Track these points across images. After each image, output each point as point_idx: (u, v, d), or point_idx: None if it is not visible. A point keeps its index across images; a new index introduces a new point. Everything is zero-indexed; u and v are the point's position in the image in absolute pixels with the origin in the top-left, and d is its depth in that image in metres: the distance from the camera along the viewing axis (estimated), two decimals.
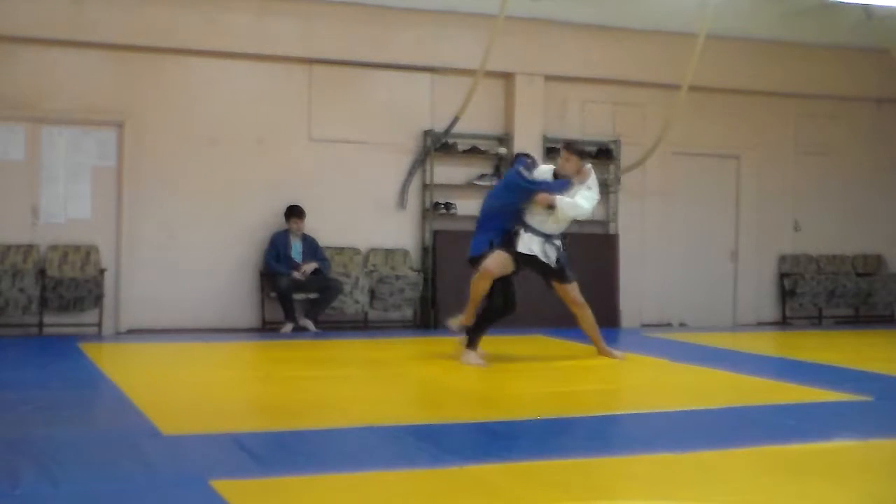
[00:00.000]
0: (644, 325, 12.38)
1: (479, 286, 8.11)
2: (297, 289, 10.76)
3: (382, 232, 11.54)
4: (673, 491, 4.31)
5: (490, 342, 8.50)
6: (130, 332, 10.58)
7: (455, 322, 8.34)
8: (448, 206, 11.56)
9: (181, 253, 10.77)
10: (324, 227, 11.16)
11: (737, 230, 13.06)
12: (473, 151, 11.68)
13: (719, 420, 6.04)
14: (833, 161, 13.40)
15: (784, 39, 12.49)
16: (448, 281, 11.07)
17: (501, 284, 8.16)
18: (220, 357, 9.09)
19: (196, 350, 9.38)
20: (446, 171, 11.60)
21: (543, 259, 8.11)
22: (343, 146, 11.36)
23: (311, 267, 10.81)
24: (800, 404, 6.54)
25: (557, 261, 8.19)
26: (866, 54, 12.81)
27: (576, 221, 11.90)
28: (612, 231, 12.29)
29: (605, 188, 12.26)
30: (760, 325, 13.00)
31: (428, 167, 11.59)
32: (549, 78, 11.98)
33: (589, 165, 8.40)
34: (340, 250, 11.36)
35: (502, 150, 11.77)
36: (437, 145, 11.55)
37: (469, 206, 11.15)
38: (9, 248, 10.24)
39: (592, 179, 8.27)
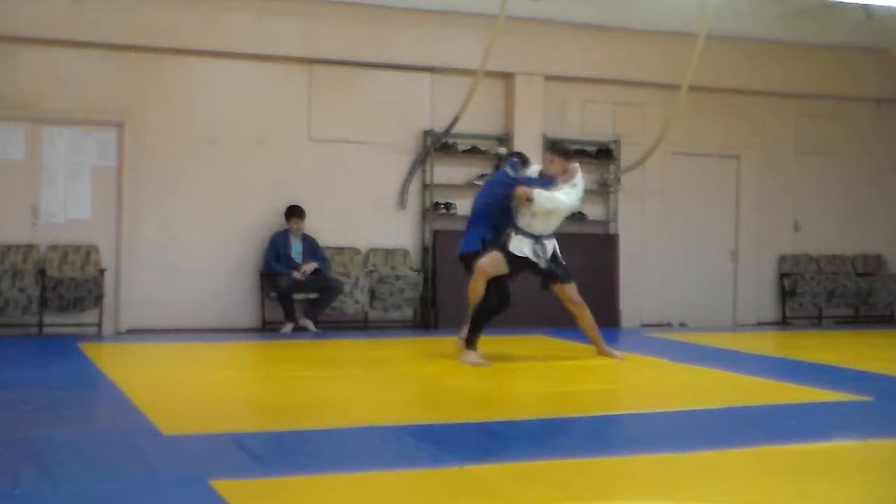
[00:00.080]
0: (644, 325, 12.38)
1: (476, 287, 8.14)
2: (297, 289, 10.76)
3: (382, 232, 11.54)
4: (673, 491, 4.31)
5: (490, 342, 8.50)
6: (130, 332, 10.58)
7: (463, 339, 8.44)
8: (448, 206, 11.56)
9: (181, 253, 10.77)
10: (324, 227, 11.16)
11: (737, 230, 13.06)
12: (473, 151, 11.69)
13: (719, 420, 6.04)
14: (833, 161, 13.40)
15: (784, 39, 12.49)
16: (448, 281, 11.07)
17: (496, 284, 8.18)
18: (220, 357, 9.09)
19: (196, 350, 9.38)
20: (446, 171, 11.60)
21: (535, 260, 8.13)
22: (343, 146, 11.36)
23: (311, 267, 10.81)
24: (800, 404, 6.54)
25: (552, 261, 8.20)
26: (866, 54, 12.81)
27: (576, 222, 12.07)
28: (612, 231, 12.29)
29: (606, 188, 12.29)
30: (760, 325, 13.00)
31: (428, 167, 11.59)
32: (549, 78, 11.98)
33: (575, 164, 8.42)
34: (340, 250, 11.36)
35: (502, 150, 11.76)
36: (437, 145, 11.55)
37: (469, 206, 11.09)
38: (9, 248, 10.24)
39: (578, 178, 8.32)
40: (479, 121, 11.67)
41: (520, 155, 8.75)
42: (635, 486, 4.53)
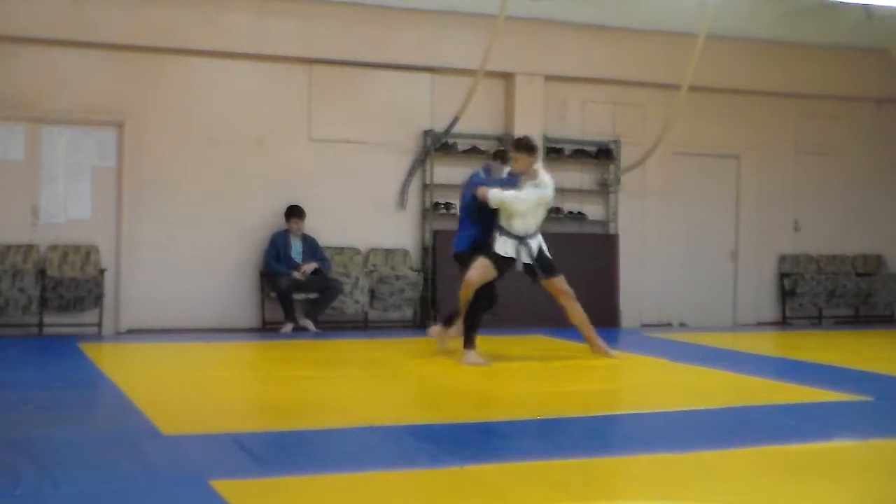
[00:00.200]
0: (644, 325, 12.38)
1: (465, 295, 8.25)
2: (297, 289, 10.76)
3: (382, 232, 11.54)
4: (673, 491, 4.31)
5: (490, 342, 8.50)
6: (130, 332, 10.58)
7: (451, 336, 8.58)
8: (448, 206, 11.56)
9: (181, 253, 10.78)
10: (324, 227, 11.16)
11: (737, 230, 13.06)
12: (473, 151, 11.68)
13: (719, 420, 6.04)
14: (833, 161, 13.40)
15: (784, 39, 12.49)
16: (448, 281, 11.04)
17: (485, 285, 8.25)
18: (220, 357, 9.09)
19: (196, 350, 9.39)
20: (446, 171, 11.59)
21: (521, 259, 8.15)
22: (343, 146, 11.36)
23: (311, 267, 10.81)
24: (800, 404, 6.54)
25: (538, 258, 8.21)
26: (866, 54, 12.81)
27: (576, 222, 12.07)
28: (612, 231, 12.29)
29: (606, 188, 12.29)
30: (760, 325, 13.00)
31: (428, 167, 11.59)
32: (549, 78, 11.98)
33: (538, 165, 8.36)
34: (340, 250, 11.36)
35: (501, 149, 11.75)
36: (437, 145, 11.55)
37: None
38: (9, 248, 10.24)
39: (542, 178, 8.25)
40: (479, 121, 11.67)
41: (501, 154, 8.77)
42: (635, 486, 4.53)
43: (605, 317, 11.89)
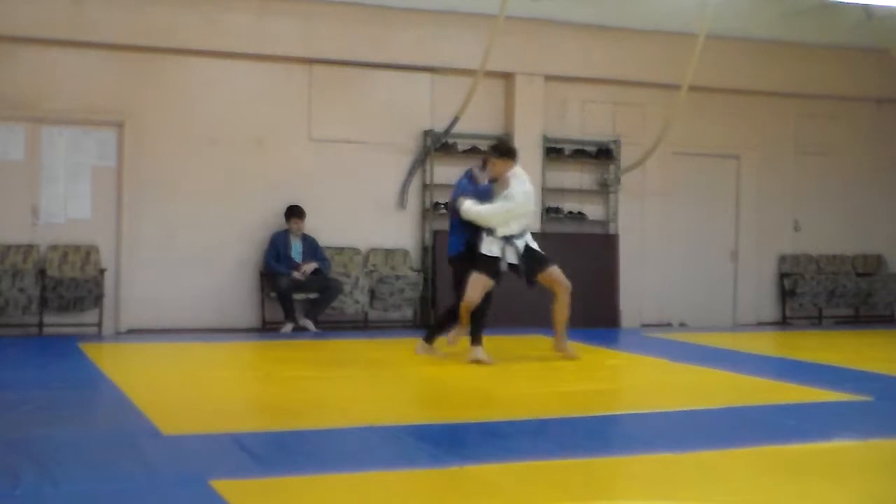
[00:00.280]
0: (644, 325, 12.38)
1: (465, 318, 8.33)
2: (297, 289, 10.76)
3: (382, 232, 11.54)
4: (673, 491, 4.31)
5: (490, 342, 8.49)
6: (130, 332, 10.58)
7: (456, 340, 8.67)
8: (448, 206, 11.56)
9: (181, 253, 10.77)
10: (324, 227, 11.16)
11: (737, 230, 13.06)
12: (473, 151, 11.67)
13: (719, 420, 6.05)
14: (833, 161, 13.40)
15: (784, 39, 12.49)
16: (448, 281, 11.04)
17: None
18: (220, 357, 9.09)
19: (196, 350, 9.39)
20: (446, 171, 11.57)
21: (504, 259, 8.14)
22: (343, 146, 11.36)
23: (311, 267, 10.81)
24: (800, 404, 6.54)
25: (525, 256, 8.20)
26: (866, 54, 12.80)
27: (576, 221, 12.07)
28: (612, 231, 12.28)
29: (606, 188, 12.29)
30: (760, 325, 13.00)
31: (428, 167, 11.59)
32: (549, 78, 11.98)
33: (509, 174, 8.20)
34: (340, 250, 11.36)
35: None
36: (437, 145, 11.55)
37: None
38: (9, 248, 10.24)
39: (511, 189, 8.12)
40: (479, 121, 11.67)
41: (485, 160, 8.72)
42: (635, 486, 4.53)
43: (605, 317, 11.92)
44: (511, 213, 8.12)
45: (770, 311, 13.19)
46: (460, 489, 4.32)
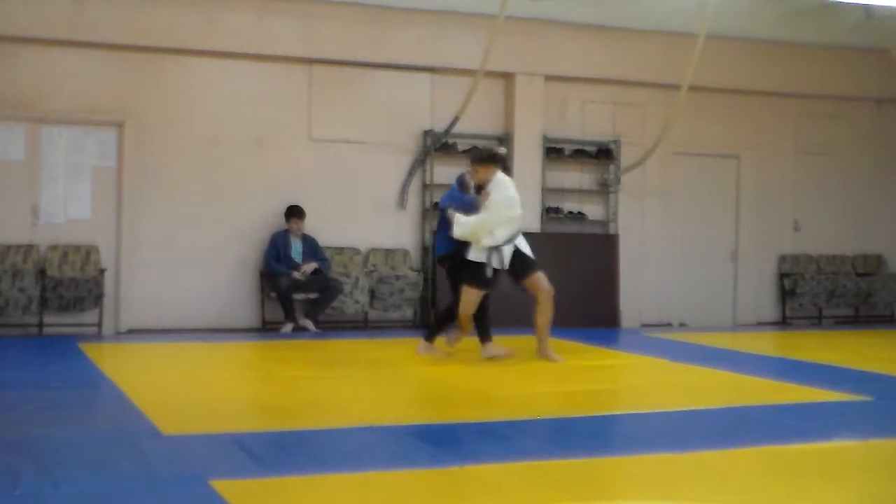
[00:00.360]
0: (644, 325, 12.38)
1: (465, 325, 8.42)
2: (297, 289, 10.76)
3: (382, 232, 11.54)
4: (673, 491, 4.31)
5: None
6: (130, 332, 10.58)
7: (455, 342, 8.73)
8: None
9: (181, 253, 10.78)
10: (324, 227, 11.16)
11: (737, 230, 13.06)
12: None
13: (719, 420, 6.04)
14: (833, 161, 13.40)
15: (784, 39, 12.49)
16: (448, 281, 11.05)
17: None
18: (220, 357, 9.08)
19: (196, 350, 9.38)
20: (446, 171, 11.57)
21: (489, 265, 8.12)
22: (343, 146, 11.36)
23: (311, 267, 10.81)
24: (800, 404, 6.54)
25: (514, 261, 8.20)
26: (866, 54, 12.81)
27: (576, 222, 12.07)
28: (612, 231, 12.29)
29: (606, 188, 12.29)
30: (760, 325, 13.00)
31: (428, 167, 11.60)
32: (549, 78, 11.98)
33: (487, 189, 8.13)
34: (340, 250, 11.36)
35: (502, 150, 11.71)
36: (437, 145, 11.55)
37: None
38: (9, 248, 10.24)
39: (490, 199, 8.08)
40: (479, 121, 11.67)
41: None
42: (635, 486, 4.53)
43: (605, 317, 11.92)
44: (489, 224, 8.05)
45: (770, 311, 13.20)
46: (460, 489, 4.32)
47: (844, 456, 5.10)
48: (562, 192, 12.14)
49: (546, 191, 11.94)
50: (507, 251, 8.18)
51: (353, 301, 11.02)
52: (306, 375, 7.53)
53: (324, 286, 10.82)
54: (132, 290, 10.64)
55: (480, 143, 11.69)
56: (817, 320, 13.22)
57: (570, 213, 12.16)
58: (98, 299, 10.30)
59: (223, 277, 10.95)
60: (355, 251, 11.45)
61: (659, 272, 12.57)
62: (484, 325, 8.39)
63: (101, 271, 10.44)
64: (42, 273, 10.14)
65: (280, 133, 11.18)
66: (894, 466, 5.03)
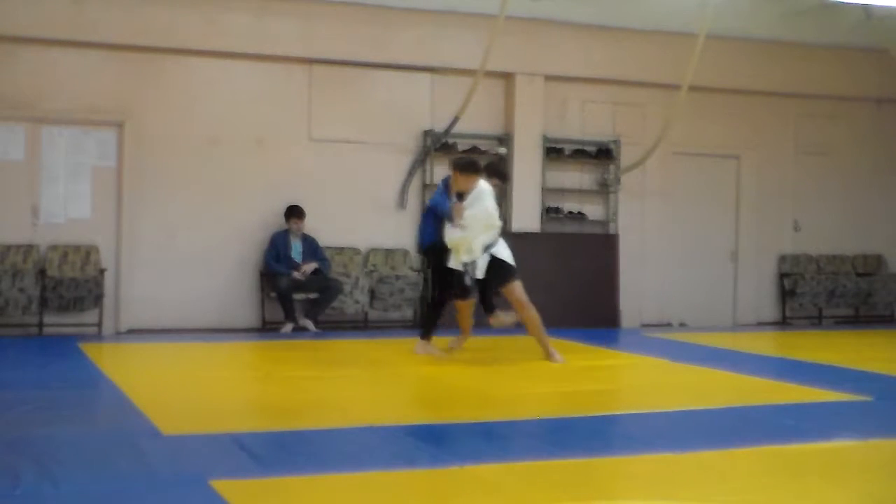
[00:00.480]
0: (644, 325, 12.38)
1: (463, 317, 8.62)
2: (297, 289, 10.76)
3: (382, 232, 11.54)
4: (673, 491, 4.31)
5: (490, 342, 8.51)
6: (130, 332, 10.58)
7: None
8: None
9: (181, 253, 10.78)
10: (324, 227, 11.16)
11: (737, 230, 13.06)
12: (473, 151, 11.66)
13: (719, 420, 6.05)
14: (833, 161, 13.40)
15: (784, 39, 12.49)
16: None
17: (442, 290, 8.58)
18: (220, 357, 9.08)
19: (196, 350, 9.39)
20: (446, 171, 11.51)
21: (467, 272, 8.16)
22: (343, 146, 11.36)
23: (311, 267, 10.81)
24: (800, 404, 6.55)
25: (491, 269, 8.23)
26: (866, 54, 12.81)
27: (576, 222, 12.06)
28: (612, 231, 12.28)
29: (606, 188, 12.29)
30: (760, 325, 13.00)
31: (428, 167, 11.59)
32: (549, 78, 11.98)
33: (464, 203, 8.16)
34: (340, 250, 11.36)
35: (502, 150, 11.77)
36: (437, 145, 11.55)
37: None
38: (9, 248, 10.24)
39: (467, 218, 8.12)
40: (479, 121, 11.67)
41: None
42: (635, 486, 4.53)
43: (605, 317, 11.92)
44: (467, 243, 8.11)
45: (770, 311, 13.19)
46: (460, 489, 4.32)
47: (844, 456, 5.10)
48: (562, 192, 12.14)
49: (546, 191, 11.94)
50: (482, 262, 8.22)
51: (353, 301, 11.02)
52: (306, 375, 7.54)
53: (324, 286, 10.82)
54: (132, 290, 10.64)
55: (480, 143, 11.73)
56: (817, 320, 13.21)
57: (570, 213, 12.16)
58: (98, 299, 10.30)
59: (223, 277, 10.95)
60: (355, 251, 11.45)
61: (659, 272, 12.56)
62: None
63: (101, 271, 10.44)
64: (42, 273, 10.14)
65: (280, 133, 11.18)
66: (894, 466, 5.04)
